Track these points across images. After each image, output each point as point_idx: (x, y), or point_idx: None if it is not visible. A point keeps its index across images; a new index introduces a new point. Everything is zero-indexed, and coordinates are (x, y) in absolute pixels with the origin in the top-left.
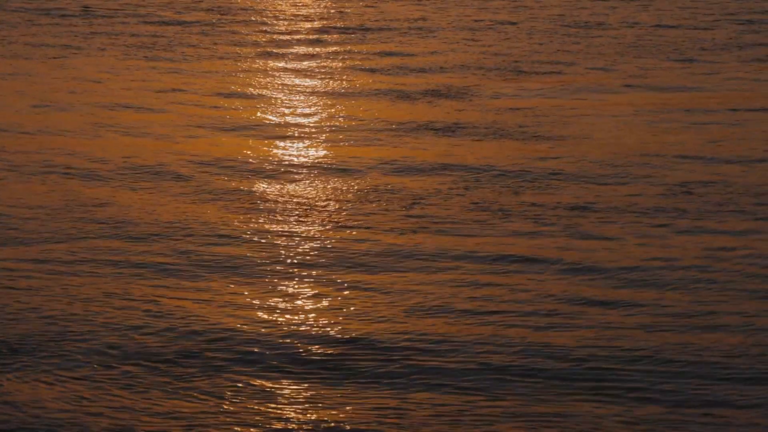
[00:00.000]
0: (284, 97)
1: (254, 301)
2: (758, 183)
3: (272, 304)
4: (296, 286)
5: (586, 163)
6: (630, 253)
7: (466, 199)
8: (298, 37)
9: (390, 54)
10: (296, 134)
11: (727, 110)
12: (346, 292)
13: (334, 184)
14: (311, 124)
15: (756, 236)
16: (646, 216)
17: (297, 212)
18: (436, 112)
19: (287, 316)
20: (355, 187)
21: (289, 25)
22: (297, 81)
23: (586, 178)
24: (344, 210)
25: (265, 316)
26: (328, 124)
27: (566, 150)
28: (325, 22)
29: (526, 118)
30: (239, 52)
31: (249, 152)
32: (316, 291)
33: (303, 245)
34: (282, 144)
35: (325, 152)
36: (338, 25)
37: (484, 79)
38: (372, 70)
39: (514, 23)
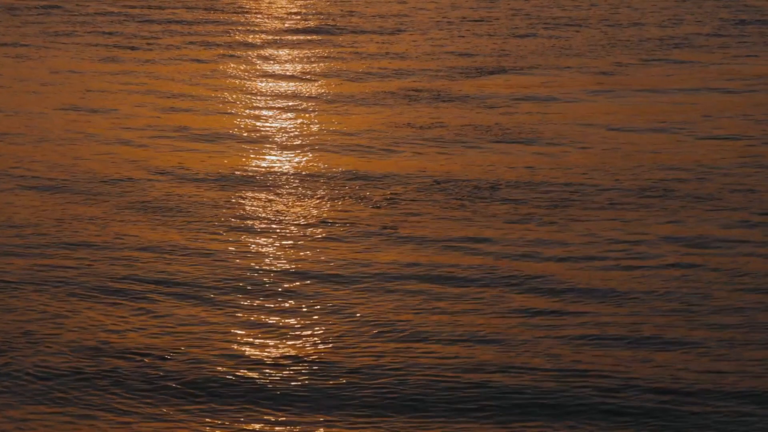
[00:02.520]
0: (256, 102)
1: (209, 322)
2: (739, 184)
3: (231, 324)
4: (258, 305)
5: (562, 164)
6: (606, 262)
7: (442, 204)
8: (273, 37)
9: (372, 55)
10: (265, 141)
11: (703, 116)
12: (309, 310)
13: (307, 191)
14: (282, 130)
15: (733, 241)
16: (620, 221)
17: (263, 224)
18: (412, 114)
19: (247, 338)
20: (328, 195)
21: (264, 26)
22: (270, 84)
23: (563, 180)
24: (316, 220)
25: (224, 339)
26: (300, 130)
27: (543, 151)
28: (304, 23)
29: (503, 117)
30: (213, 53)
31: (215, 161)
32: (282, 308)
33: (272, 260)
34: (250, 151)
35: (296, 159)
36: (320, 24)
37: (462, 79)
38: (350, 72)
39: (494, 20)
